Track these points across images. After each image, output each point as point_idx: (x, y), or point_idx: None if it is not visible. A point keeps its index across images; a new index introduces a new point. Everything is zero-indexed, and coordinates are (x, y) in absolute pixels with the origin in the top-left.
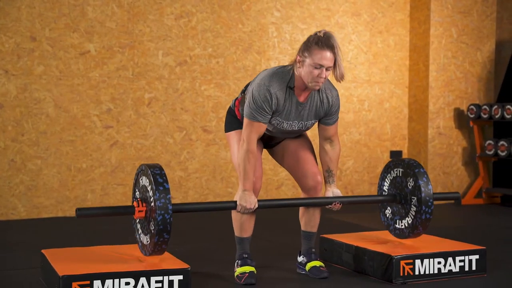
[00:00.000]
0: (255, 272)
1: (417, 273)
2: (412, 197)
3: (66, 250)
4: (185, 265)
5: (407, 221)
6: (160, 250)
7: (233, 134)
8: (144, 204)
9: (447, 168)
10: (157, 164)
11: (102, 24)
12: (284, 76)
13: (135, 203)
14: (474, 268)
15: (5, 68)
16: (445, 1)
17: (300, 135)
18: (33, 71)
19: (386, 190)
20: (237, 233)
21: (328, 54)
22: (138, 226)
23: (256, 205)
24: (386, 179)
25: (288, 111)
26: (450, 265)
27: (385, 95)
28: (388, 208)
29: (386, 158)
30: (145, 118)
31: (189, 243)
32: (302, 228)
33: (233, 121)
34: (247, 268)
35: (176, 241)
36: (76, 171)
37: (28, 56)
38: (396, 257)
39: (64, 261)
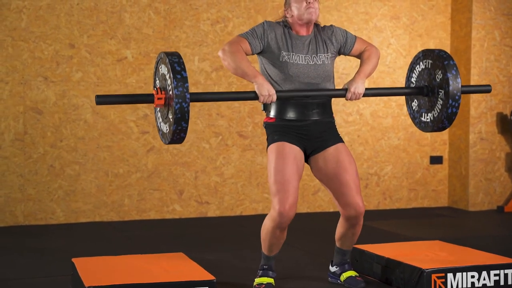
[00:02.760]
0: (273, 284)
1: (449, 287)
2: (440, 90)
3: (96, 259)
4: (210, 277)
5: (433, 114)
6: (179, 139)
7: (271, 147)
8: (163, 93)
9: (489, 174)
10: (175, 52)
11: (139, 31)
12: (279, 23)
13: (154, 91)
14: (510, 282)
15: (44, 75)
16: (488, 3)
17: (344, 153)
18: (71, 78)
19: (414, 82)
20: (264, 250)
21: None
22: (159, 114)
23: (274, 93)
24: (415, 71)
25: (290, 43)
26: (484, 279)
27: None
28: (415, 100)
29: (426, 163)
30: None
31: (216, 252)
32: (338, 245)
33: (269, 133)
34: (265, 279)
35: (204, 249)
36: (113, 177)
37: (67, 63)
38: (427, 271)
39: (92, 271)
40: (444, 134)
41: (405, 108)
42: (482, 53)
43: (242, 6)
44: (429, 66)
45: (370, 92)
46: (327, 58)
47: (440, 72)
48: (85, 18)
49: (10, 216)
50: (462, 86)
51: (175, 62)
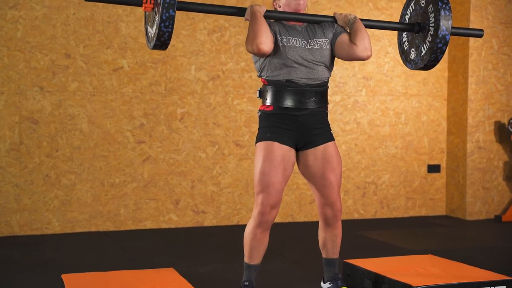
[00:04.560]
0: None
1: None
2: (430, 27)
3: (84, 276)
4: None
5: (421, 51)
6: (163, 45)
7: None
8: (152, 1)
9: (487, 183)
10: None
11: (135, 40)
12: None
13: None
14: None
15: (40, 85)
16: (486, 12)
17: (333, 153)
18: (67, 88)
19: (407, 20)
20: (245, 258)
21: None
22: (147, 19)
23: (264, 9)
24: (410, 8)
25: (285, 29)
26: None
27: (423, 108)
28: (406, 37)
29: (423, 172)
30: (178, 133)
31: (210, 264)
32: (324, 256)
33: (262, 126)
34: None
35: (198, 261)
36: (109, 186)
37: (63, 73)
38: (416, 287)
39: None
40: (442, 143)
41: (403, 116)
42: (480, 62)
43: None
44: (423, 4)
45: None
46: (325, 43)
47: (432, 10)
48: (81, 28)
49: (6, 226)
50: (453, 27)
51: None
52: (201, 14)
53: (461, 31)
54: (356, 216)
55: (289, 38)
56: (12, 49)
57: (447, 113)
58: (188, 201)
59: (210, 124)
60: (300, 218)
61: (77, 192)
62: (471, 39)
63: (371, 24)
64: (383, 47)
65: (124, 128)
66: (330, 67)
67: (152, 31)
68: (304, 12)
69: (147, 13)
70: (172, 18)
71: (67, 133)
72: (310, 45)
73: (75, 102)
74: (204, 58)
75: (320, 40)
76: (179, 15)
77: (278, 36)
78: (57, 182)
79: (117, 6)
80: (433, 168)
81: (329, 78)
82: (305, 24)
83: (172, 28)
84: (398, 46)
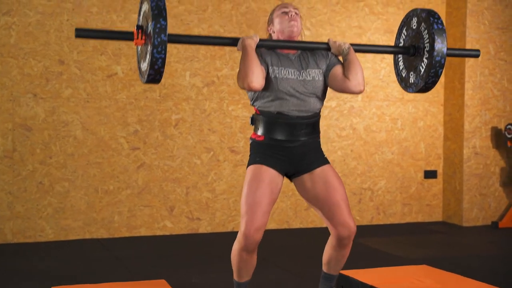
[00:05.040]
0: None
1: None
2: (425, 51)
3: None
4: None
5: (417, 75)
6: (157, 74)
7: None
8: (143, 37)
9: (483, 189)
10: None
11: (129, 46)
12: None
13: (134, 30)
14: None
15: (34, 92)
16: (482, 17)
17: (331, 174)
18: (61, 94)
19: (402, 42)
20: (235, 276)
21: (288, 4)
22: (139, 53)
23: (258, 38)
24: (402, 35)
25: (278, 59)
26: None
27: (419, 113)
28: (401, 60)
29: (420, 178)
30: (172, 140)
31: (204, 273)
32: (325, 270)
33: (252, 152)
34: None
35: (191, 271)
36: (103, 193)
37: (57, 79)
38: None
39: None
40: (439, 149)
41: (399, 122)
42: (477, 67)
43: (234, 21)
44: (418, 27)
45: (356, 48)
46: (318, 74)
47: (425, 27)
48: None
49: None
50: (448, 48)
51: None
52: (196, 20)
53: (457, 52)
54: None
55: (281, 69)
56: (5, 56)
57: (444, 118)
58: (182, 208)
59: (205, 130)
60: (296, 224)
61: (70, 199)
62: (468, 44)
63: (366, 49)
64: None
65: (118, 135)
66: (322, 97)
67: (145, 64)
68: (299, 38)
69: (140, 49)
70: (164, 43)
71: (61, 140)
72: (302, 76)
73: (69, 108)
74: (199, 64)
75: (313, 70)
76: (174, 21)
77: (270, 67)
78: (51, 189)
79: (111, 11)
80: (430, 174)
81: (320, 108)
82: (299, 52)
83: (165, 55)
84: (396, 76)
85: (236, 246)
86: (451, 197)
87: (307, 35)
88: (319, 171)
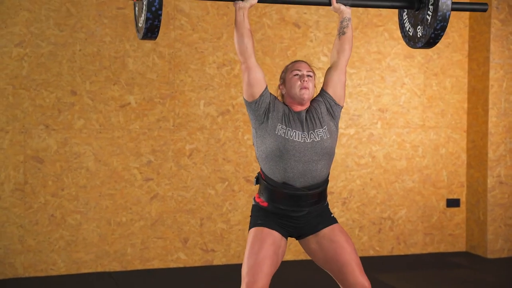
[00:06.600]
0: None
1: None
2: (430, 5)
3: None
4: None
5: (420, 29)
6: (152, 37)
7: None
8: None
9: (509, 220)
10: None
11: (142, 76)
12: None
13: None
14: None
15: (45, 123)
16: (506, 41)
17: (338, 232)
18: (73, 125)
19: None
20: None
21: (302, 64)
22: (136, 9)
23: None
24: None
25: (287, 118)
26: None
27: (441, 140)
28: (406, 15)
29: (442, 207)
30: (186, 170)
31: None
32: None
33: (254, 215)
34: None
35: None
36: (116, 225)
37: (69, 110)
38: None
39: None
40: (462, 177)
41: (420, 149)
42: (501, 94)
43: None
44: None
45: (361, 3)
46: (325, 132)
47: None
48: (87, 64)
49: (10, 268)
50: (453, 2)
51: None
52: (210, 48)
53: (463, 6)
54: (371, 253)
55: (288, 130)
56: (17, 87)
57: (467, 145)
58: (197, 240)
59: (220, 160)
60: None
61: (83, 232)
62: (492, 70)
63: (368, 4)
64: (399, 78)
65: (131, 166)
66: (332, 155)
67: (142, 16)
68: (312, 97)
69: (136, 4)
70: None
71: (73, 172)
72: (310, 138)
73: (81, 140)
74: (214, 92)
75: (320, 130)
76: (188, 49)
77: (277, 124)
78: (63, 222)
79: (124, 41)
80: (452, 203)
81: (329, 168)
82: (308, 107)
83: (161, 8)
84: (404, 38)
85: None
86: (474, 227)
87: (324, 61)
88: (325, 231)
